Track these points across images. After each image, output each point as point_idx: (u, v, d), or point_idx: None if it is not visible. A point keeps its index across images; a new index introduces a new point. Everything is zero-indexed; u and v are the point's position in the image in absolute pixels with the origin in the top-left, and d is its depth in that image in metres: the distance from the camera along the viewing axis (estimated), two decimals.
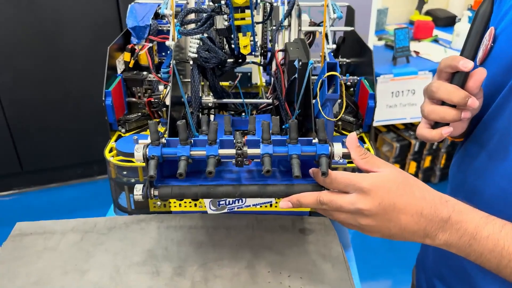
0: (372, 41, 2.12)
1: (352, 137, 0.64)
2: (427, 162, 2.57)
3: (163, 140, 0.65)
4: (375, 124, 0.92)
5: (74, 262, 0.75)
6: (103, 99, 0.84)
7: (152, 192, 0.66)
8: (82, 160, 2.58)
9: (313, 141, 0.66)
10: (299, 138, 0.66)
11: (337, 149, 0.65)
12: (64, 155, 2.52)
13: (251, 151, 0.65)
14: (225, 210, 0.84)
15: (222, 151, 0.65)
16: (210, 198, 0.72)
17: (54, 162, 2.54)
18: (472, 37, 0.64)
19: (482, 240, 0.56)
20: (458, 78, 0.63)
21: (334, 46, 0.95)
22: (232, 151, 0.65)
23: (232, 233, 0.81)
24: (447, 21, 2.79)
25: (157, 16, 1.02)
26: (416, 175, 2.59)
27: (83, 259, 0.76)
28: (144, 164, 0.63)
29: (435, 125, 0.67)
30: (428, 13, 2.88)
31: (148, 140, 0.64)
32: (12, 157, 2.40)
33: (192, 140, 0.66)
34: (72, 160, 2.57)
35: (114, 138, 0.89)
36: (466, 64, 0.61)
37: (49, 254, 0.77)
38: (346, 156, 0.64)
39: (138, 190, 0.66)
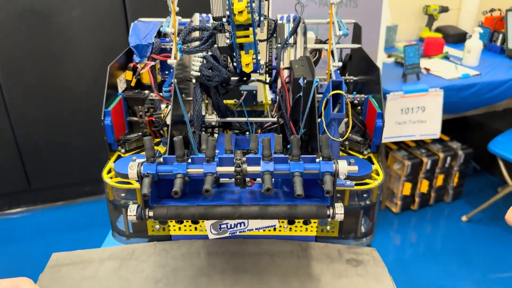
0: (381, 58, 2.10)
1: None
2: (439, 180, 2.51)
3: (160, 159, 0.63)
4: (383, 140, 0.89)
5: None
6: (102, 118, 0.82)
7: (147, 213, 0.63)
8: (89, 178, 2.57)
9: (317, 160, 0.63)
10: (302, 156, 0.63)
11: (342, 166, 0.61)
12: (71, 173, 2.51)
13: (251, 168, 0.62)
14: (227, 234, 0.80)
15: (220, 169, 0.62)
16: (208, 219, 0.69)
17: (62, 179, 2.53)
18: None
19: None
20: None
21: (340, 63, 0.93)
22: (231, 169, 0.62)
23: (277, 261, 0.78)
24: (457, 38, 2.75)
25: (160, 34, 1.01)
26: (428, 193, 2.53)
27: (123, 286, 0.73)
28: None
29: None
30: (438, 29, 2.86)
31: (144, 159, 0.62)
32: (20, 175, 2.40)
33: (189, 158, 0.63)
34: (80, 178, 2.56)
35: (113, 158, 0.87)
36: None
37: (87, 283, 0.74)
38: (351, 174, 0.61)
39: (132, 210, 0.63)
